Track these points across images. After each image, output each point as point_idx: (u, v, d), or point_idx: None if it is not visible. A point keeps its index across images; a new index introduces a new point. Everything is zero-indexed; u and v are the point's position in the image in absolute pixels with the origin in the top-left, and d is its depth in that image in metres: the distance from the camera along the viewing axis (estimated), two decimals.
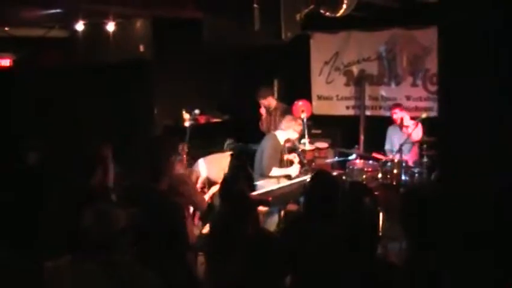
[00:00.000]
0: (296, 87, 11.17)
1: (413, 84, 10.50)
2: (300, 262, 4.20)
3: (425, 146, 8.69)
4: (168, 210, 4.65)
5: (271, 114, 10.25)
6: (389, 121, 9.71)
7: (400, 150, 8.72)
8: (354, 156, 9.41)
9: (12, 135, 8.38)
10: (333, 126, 10.92)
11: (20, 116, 9.02)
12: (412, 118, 9.46)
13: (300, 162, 8.81)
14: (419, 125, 9.13)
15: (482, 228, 2.33)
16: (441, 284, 2.56)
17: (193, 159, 8.85)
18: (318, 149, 10.13)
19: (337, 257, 3.71)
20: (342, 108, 11.22)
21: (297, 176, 8.35)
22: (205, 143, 9.38)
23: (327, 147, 10.36)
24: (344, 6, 6.92)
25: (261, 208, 7.29)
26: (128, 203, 4.98)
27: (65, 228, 4.63)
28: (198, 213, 7.21)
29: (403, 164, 8.64)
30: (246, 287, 4.17)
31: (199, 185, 8.50)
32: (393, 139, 9.62)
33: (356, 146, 9.90)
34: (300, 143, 9.40)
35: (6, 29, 9.53)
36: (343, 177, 8.80)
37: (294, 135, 8.59)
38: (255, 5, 6.43)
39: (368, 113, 10.85)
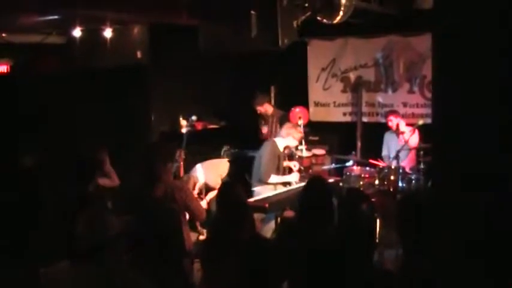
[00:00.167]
0: (293, 94, 11.18)
1: (410, 91, 10.51)
2: (295, 268, 4.19)
3: (422, 152, 8.70)
4: (164, 217, 4.65)
5: (268, 121, 10.27)
6: (386, 127, 9.72)
7: (397, 157, 8.74)
8: (351, 162, 9.41)
9: (9, 141, 8.38)
10: (330, 132, 10.92)
11: (17, 121, 9.01)
12: (409, 124, 9.48)
13: (299, 170, 8.83)
14: (416, 132, 9.15)
15: (476, 236, 2.33)
16: None
17: (190, 165, 8.86)
18: (315, 155, 10.14)
19: (333, 264, 3.70)
20: (338, 115, 11.22)
21: (295, 183, 8.37)
22: (202, 149, 9.39)
23: (324, 154, 10.37)
24: (341, 13, 6.93)
25: (258, 214, 7.30)
26: (123, 209, 4.99)
27: (60, 234, 4.63)
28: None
29: (400, 171, 8.65)
30: None
31: (196, 191, 8.50)
32: (390, 145, 9.63)
33: (353, 153, 9.90)
34: (297, 149, 9.41)
35: (4, 35, 9.52)
36: (340, 184, 8.81)
37: (294, 143, 8.61)
38: (252, 12, 6.44)
39: (365, 119, 10.86)
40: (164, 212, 4.78)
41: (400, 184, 8.55)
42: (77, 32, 9.48)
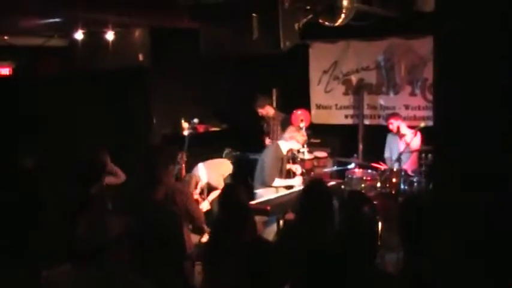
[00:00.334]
0: (295, 96, 11.18)
1: (412, 94, 10.52)
2: (297, 271, 4.19)
3: (424, 154, 8.69)
4: (164, 219, 4.65)
5: (270, 123, 10.29)
6: (388, 130, 9.72)
7: (398, 159, 8.74)
8: (352, 165, 9.41)
9: (11, 142, 8.39)
10: (332, 135, 10.94)
11: (19, 123, 9.02)
12: (411, 127, 9.48)
13: (301, 173, 8.85)
14: (418, 134, 9.16)
15: (477, 236, 2.33)
16: None
17: (191, 167, 8.86)
18: (316, 158, 10.15)
19: (334, 266, 3.70)
20: (340, 117, 11.22)
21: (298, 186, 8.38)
22: (204, 151, 9.38)
23: (326, 157, 10.38)
24: (342, 16, 6.93)
25: (260, 217, 7.30)
26: (124, 211, 4.98)
27: (61, 235, 4.63)
28: None
29: (402, 173, 8.65)
30: None
31: (198, 190, 8.51)
32: (392, 147, 9.63)
33: (355, 155, 9.90)
34: (298, 152, 9.42)
35: (6, 38, 9.54)
36: (342, 187, 8.81)
37: (297, 146, 8.63)
38: (254, 14, 6.44)
39: (367, 122, 10.86)
40: (165, 214, 4.78)
41: (402, 187, 8.55)
42: (78, 35, 9.49)
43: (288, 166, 9.02)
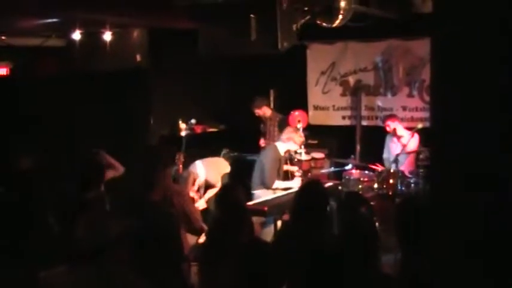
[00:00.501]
0: (292, 97, 11.18)
1: (410, 95, 10.52)
2: (294, 272, 4.19)
3: (421, 156, 8.70)
4: (161, 220, 4.65)
5: (267, 124, 10.30)
6: (385, 131, 9.73)
7: (396, 161, 8.75)
8: (350, 166, 9.42)
9: (9, 142, 8.39)
10: (329, 136, 10.93)
11: (17, 124, 9.02)
12: (408, 128, 9.49)
13: (300, 175, 8.87)
14: (416, 135, 9.17)
15: (475, 236, 2.34)
16: None
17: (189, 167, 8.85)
18: (314, 159, 10.14)
19: (331, 267, 3.70)
20: (338, 119, 11.21)
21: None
22: (201, 152, 9.37)
23: (323, 158, 10.37)
24: (340, 17, 6.95)
25: (257, 218, 7.31)
26: (122, 212, 4.98)
27: (59, 237, 4.63)
28: None
29: (400, 174, 8.66)
30: None
31: (196, 187, 8.51)
32: (390, 148, 9.64)
33: (352, 156, 9.90)
34: (296, 153, 9.42)
35: (4, 38, 9.53)
36: (339, 188, 8.82)
37: (294, 147, 8.64)
38: (252, 15, 6.45)
39: (364, 123, 10.86)
40: (162, 215, 4.78)
41: (399, 188, 8.56)
42: (76, 35, 9.48)
43: (286, 167, 9.03)
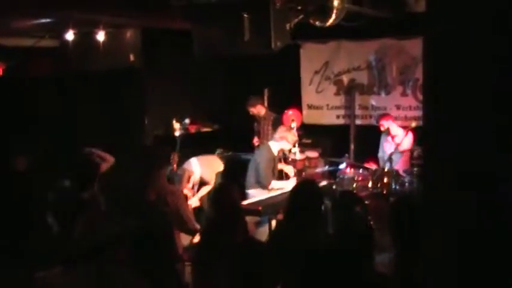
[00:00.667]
0: (286, 97, 11.19)
1: (403, 94, 10.55)
2: (288, 271, 4.20)
3: (415, 154, 8.72)
4: (156, 219, 4.65)
5: (260, 123, 10.31)
6: (379, 130, 9.75)
7: (390, 159, 8.77)
8: (344, 165, 9.42)
9: (4, 143, 8.38)
10: (323, 135, 10.94)
11: (11, 124, 9.01)
12: (402, 127, 9.51)
13: (295, 174, 8.87)
14: (410, 134, 9.19)
15: (468, 236, 2.34)
16: None
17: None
18: (308, 158, 10.14)
19: (326, 266, 3.71)
20: (332, 118, 11.23)
21: None
22: (195, 152, 9.38)
23: (317, 157, 10.37)
24: (333, 16, 6.94)
25: (252, 217, 7.31)
26: (117, 211, 4.98)
27: (56, 237, 4.63)
28: None
29: (394, 173, 8.67)
30: None
31: (190, 185, 8.51)
32: (384, 147, 9.66)
33: (346, 155, 9.91)
34: (290, 152, 9.43)
35: None
36: (334, 187, 8.82)
37: (288, 146, 8.64)
38: (245, 15, 6.44)
39: (358, 122, 10.88)
40: (156, 214, 4.78)
41: (393, 186, 8.57)
42: (69, 35, 9.47)
43: (280, 166, 9.04)
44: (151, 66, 10.12)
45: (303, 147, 10.08)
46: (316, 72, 11.21)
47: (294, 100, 11.15)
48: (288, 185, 8.44)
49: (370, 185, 8.69)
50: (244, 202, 7.46)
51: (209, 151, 9.54)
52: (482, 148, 2.28)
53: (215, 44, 6.87)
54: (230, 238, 4.47)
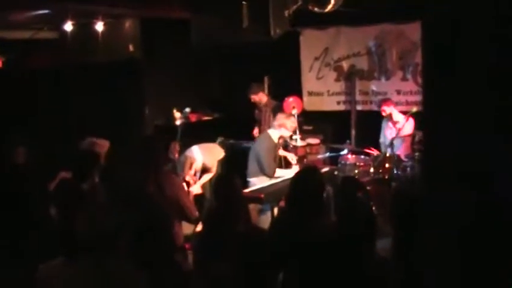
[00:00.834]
0: (287, 84, 11.16)
1: (404, 79, 10.52)
2: (290, 258, 4.21)
3: (416, 139, 8.71)
4: (156, 210, 4.66)
5: (262, 110, 10.31)
6: (380, 115, 9.73)
7: (391, 145, 8.76)
8: (345, 151, 9.42)
9: (4, 136, 8.38)
10: (324, 121, 10.93)
11: (11, 117, 9.01)
12: (403, 112, 9.50)
13: (297, 162, 8.87)
14: (411, 119, 9.18)
15: (469, 227, 2.34)
16: (427, 282, 2.57)
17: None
18: (309, 145, 10.15)
19: (328, 253, 3.72)
20: (332, 104, 11.21)
21: None
22: (196, 141, 9.38)
23: (319, 143, 10.38)
24: (332, 2, 6.92)
25: (254, 205, 7.31)
26: (117, 203, 4.98)
27: (57, 230, 4.63)
28: None
29: (395, 158, 8.67)
30: (238, 285, 4.18)
31: (192, 171, 8.51)
32: (386, 132, 9.65)
33: (347, 141, 9.91)
34: (291, 139, 9.42)
35: None
36: (335, 173, 8.83)
37: (287, 133, 8.61)
38: (244, 2, 6.42)
39: (359, 107, 10.87)
40: (156, 206, 4.79)
41: (395, 172, 8.57)
42: (68, 26, 9.45)
43: (282, 153, 9.03)
44: (151, 56, 10.11)
45: (304, 134, 10.07)
46: (316, 59, 11.19)
47: (294, 87, 11.12)
48: (291, 173, 8.44)
49: (371, 170, 8.69)
50: (247, 190, 7.46)
51: (210, 139, 9.54)
52: (483, 133, 2.28)
53: (214, 33, 6.85)
54: (233, 227, 4.47)
